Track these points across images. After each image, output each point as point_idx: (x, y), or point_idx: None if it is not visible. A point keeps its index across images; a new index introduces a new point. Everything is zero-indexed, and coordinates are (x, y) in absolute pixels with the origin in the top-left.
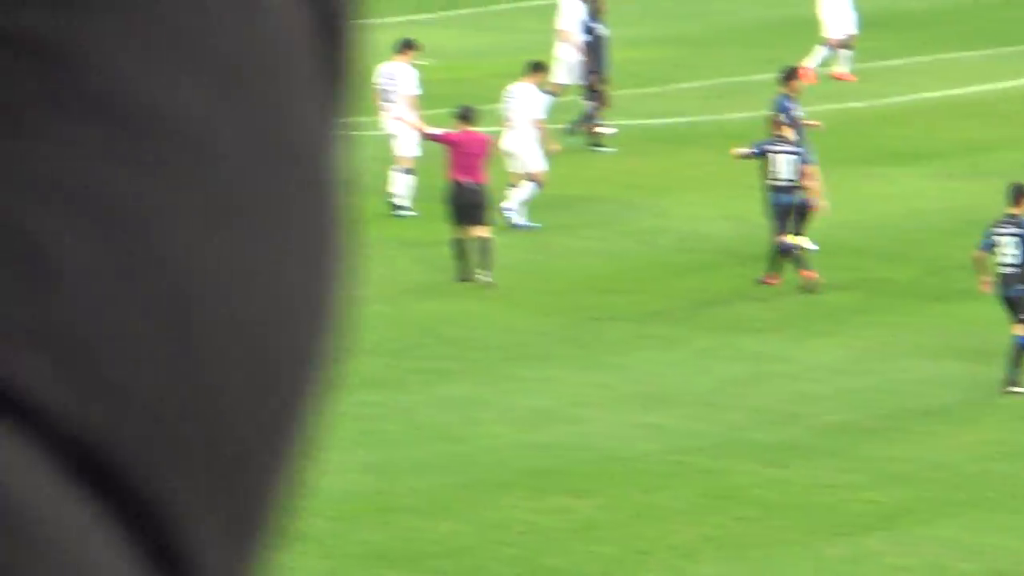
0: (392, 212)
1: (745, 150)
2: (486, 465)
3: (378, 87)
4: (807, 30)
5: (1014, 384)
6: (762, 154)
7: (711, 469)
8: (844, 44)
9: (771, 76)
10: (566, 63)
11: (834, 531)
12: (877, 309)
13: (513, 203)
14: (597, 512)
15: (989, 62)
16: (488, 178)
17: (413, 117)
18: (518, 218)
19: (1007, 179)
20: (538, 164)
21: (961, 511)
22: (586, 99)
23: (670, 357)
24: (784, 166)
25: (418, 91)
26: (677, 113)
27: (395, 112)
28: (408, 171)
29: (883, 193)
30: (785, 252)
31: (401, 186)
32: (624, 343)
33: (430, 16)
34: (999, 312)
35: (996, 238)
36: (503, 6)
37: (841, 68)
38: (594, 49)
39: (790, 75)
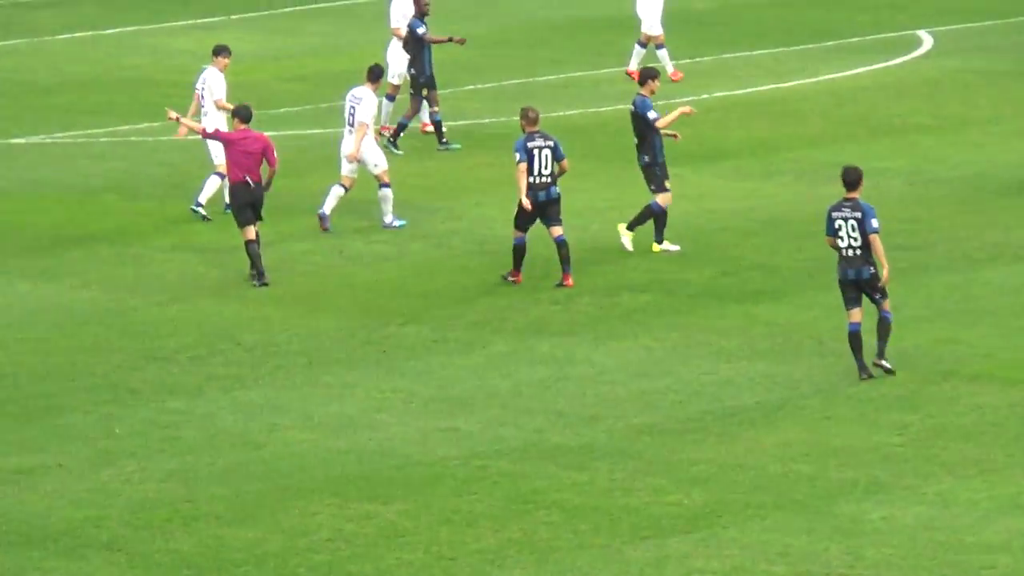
0: (195, 216)
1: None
2: (289, 472)
3: (197, 91)
4: (592, 31)
5: (882, 358)
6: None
7: (513, 473)
8: (646, 43)
9: (557, 77)
10: (399, 63)
11: (637, 534)
12: (674, 310)
13: (329, 206)
14: (402, 518)
15: (776, 61)
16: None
17: (219, 119)
18: (391, 220)
19: (798, 177)
20: (382, 163)
21: (765, 513)
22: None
23: (469, 361)
24: (542, 162)
25: (221, 95)
26: (464, 115)
27: (209, 117)
28: (222, 175)
29: (676, 194)
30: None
31: (209, 191)
32: (423, 348)
33: (214, 20)
34: (796, 312)
35: (838, 223)
36: (288, 8)
37: (632, 65)
38: (417, 50)
39: (646, 77)
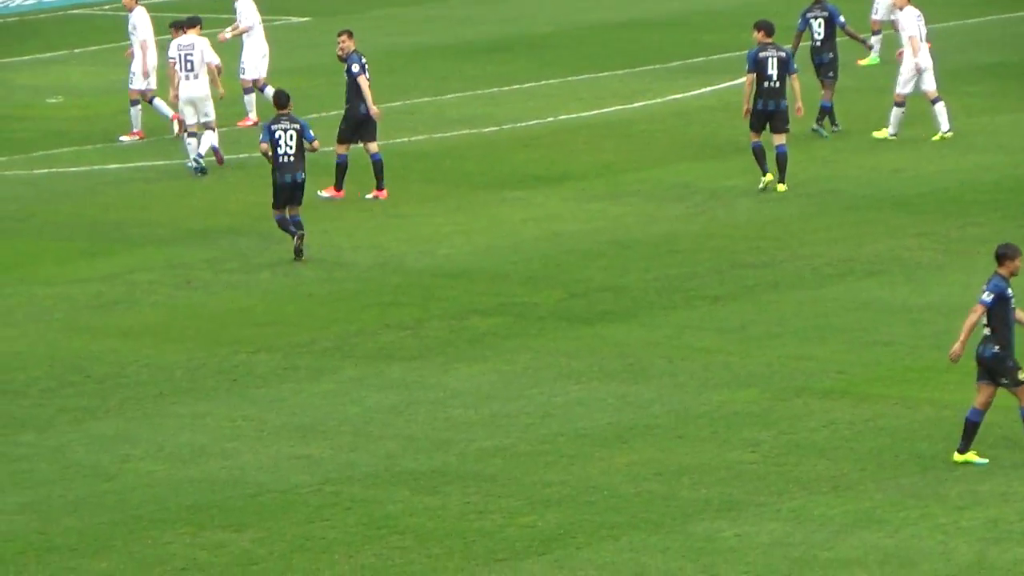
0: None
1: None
2: (141, 502)
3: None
4: (436, 58)
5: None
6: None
7: (366, 499)
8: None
9: (402, 103)
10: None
11: (492, 556)
12: (523, 333)
13: (206, 145)
14: (255, 546)
15: (621, 82)
16: None
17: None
18: (200, 156)
19: (646, 199)
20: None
21: (620, 533)
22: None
23: (320, 388)
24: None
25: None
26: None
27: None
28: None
29: (522, 217)
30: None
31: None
32: (274, 375)
33: (56, 54)
34: (646, 332)
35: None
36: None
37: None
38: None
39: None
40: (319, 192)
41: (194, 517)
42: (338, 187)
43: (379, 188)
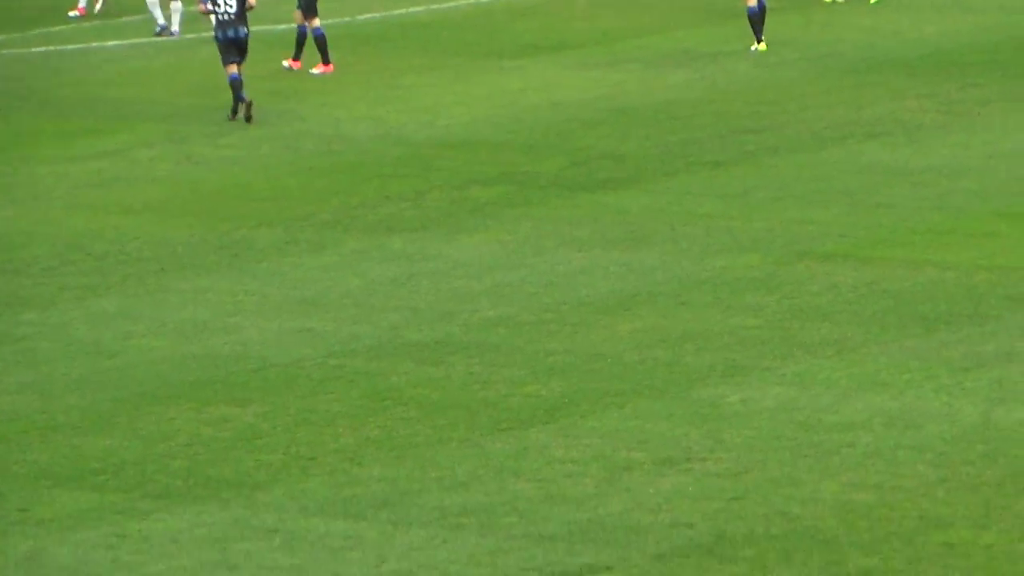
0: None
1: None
2: (144, 379)
3: None
4: None
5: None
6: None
7: (370, 371)
8: None
9: None
10: None
11: (497, 426)
12: (525, 202)
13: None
14: (259, 420)
15: None
16: None
17: None
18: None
19: (645, 65)
20: None
21: (624, 400)
22: None
23: (321, 261)
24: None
25: None
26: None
27: None
28: None
29: (521, 86)
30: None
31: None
32: (275, 250)
33: None
34: (647, 199)
35: None
36: None
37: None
38: None
39: None
40: (311, 71)
41: (197, 393)
42: (325, 61)
43: (325, 63)
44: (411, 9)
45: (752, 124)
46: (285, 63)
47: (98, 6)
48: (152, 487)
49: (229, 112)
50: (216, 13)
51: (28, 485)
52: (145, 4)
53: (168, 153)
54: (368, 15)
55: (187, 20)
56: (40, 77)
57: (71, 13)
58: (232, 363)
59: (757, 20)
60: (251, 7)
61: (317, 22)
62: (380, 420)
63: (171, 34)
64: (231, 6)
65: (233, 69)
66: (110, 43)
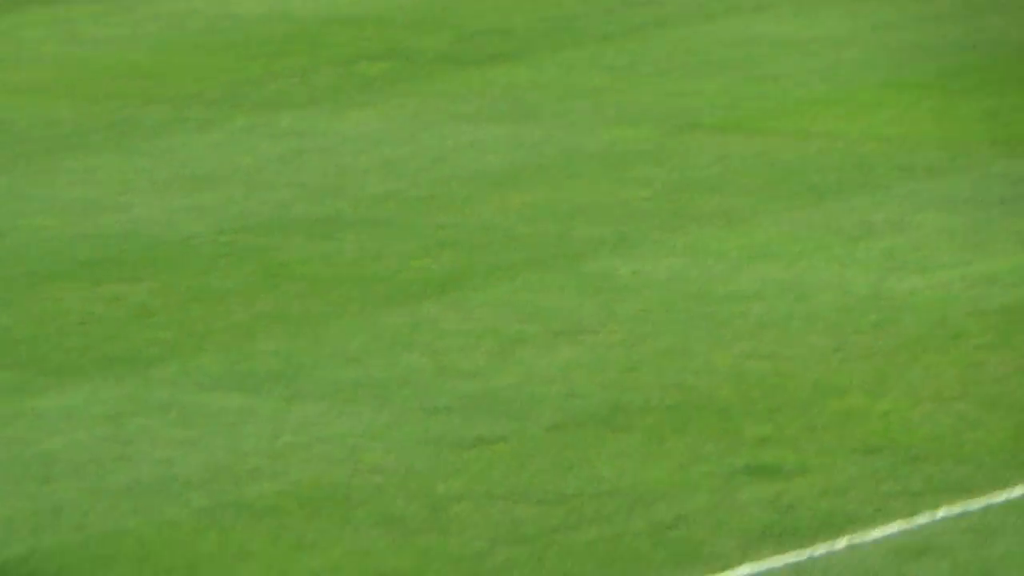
0: None
1: None
2: (36, 257)
3: None
4: None
5: None
6: None
7: (260, 247)
8: None
9: None
10: None
11: (388, 300)
12: (412, 77)
13: None
14: (152, 297)
15: None
16: None
17: None
18: None
19: None
20: None
21: (515, 273)
22: None
23: (210, 138)
24: None
25: None
26: None
27: None
28: None
29: None
30: None
31: None
32: (163, 127)
33: None
34: (535, 73)
35: None
36: None
37: None
38: None
39: None
40: None
41: (89, 272)
42: None
43: None
44: None
45: None
46: None
47: None
48: (46, 364)
49: None
50: None
51: None
52: None
53: (53, 33)
54: None
55: None
56: None
57: None
58: (123, 241)
59: None
60: None
61: None
62: (272, 296)
63: None
64: None
65: None
66: None
